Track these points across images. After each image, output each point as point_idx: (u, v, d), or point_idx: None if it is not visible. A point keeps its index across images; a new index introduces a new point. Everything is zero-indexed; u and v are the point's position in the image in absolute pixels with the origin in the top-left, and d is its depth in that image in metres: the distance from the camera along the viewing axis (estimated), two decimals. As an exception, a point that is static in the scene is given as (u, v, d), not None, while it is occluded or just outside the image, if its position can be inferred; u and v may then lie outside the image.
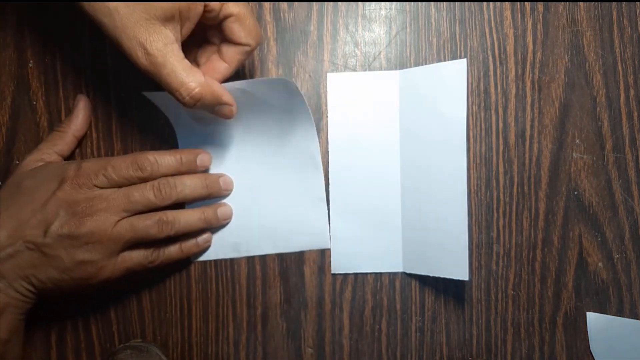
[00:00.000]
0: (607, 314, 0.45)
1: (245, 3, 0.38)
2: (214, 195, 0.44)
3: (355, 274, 0.46)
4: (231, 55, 0.40)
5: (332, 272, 0.46)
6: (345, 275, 0.46)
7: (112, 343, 0.45)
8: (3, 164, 0.45)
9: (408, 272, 0.45)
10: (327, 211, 0.45)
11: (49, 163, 0.42)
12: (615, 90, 0.46)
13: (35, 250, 0.38)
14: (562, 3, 0.46)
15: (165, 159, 0.41)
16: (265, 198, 0.45)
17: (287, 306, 0.46)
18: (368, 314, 0.46)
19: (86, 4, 0.35)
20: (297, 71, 0.46)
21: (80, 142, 0.45)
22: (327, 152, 0.45)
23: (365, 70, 0.46)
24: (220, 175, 0.44)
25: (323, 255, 0.46)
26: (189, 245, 0.44)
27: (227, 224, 0.45)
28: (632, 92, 0.46)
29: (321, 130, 0.46)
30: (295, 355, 0.46)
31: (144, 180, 0.40)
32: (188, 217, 0.42)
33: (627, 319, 0.45)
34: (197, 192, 0.42)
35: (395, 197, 0.45)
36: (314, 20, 0.46)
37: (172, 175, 0.41)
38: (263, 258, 0.46)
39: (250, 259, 0.45)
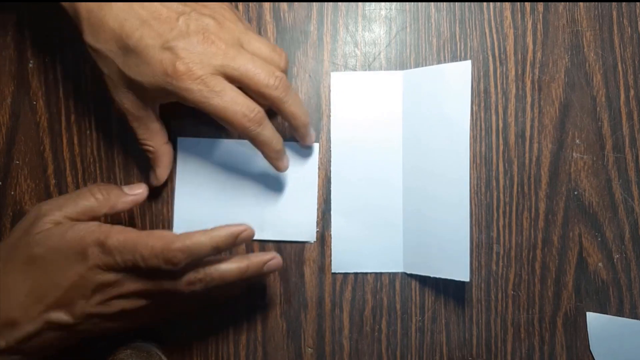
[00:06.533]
0: (607, 314, 0.45)
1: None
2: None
3: (356, 274, 0.46)
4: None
5: (332, 271, 0.46)
6: (346, 275, 0.46)
7: (112, 343, 0.45)
8: (3, 164, 0.45)
9: (408, 272, 0.45)
10: (316, 205, 0.45)
11: (69, 224, 0.38)
12: (615, 90, 0.46)
13: (59, 329, 0.37)
14: (562, 3, 0.46)
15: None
16: (257, 188, 0.45)
17: (287, 306, 0.46)
18: (368, 314, 0.46)
19: None
20: (297, 71, 0.46)
21: None
22: (329, 151, 0.45)
23: (365, 70, 0.46)
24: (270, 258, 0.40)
25: (323, 255, 0.46)
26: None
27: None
28: (632, 92, 0.46)
29: (321, 130, 0.46)
30: (295, 355, 0.45)
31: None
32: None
33: (627, 319, 0.45)
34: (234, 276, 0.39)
35: (397, 196, 0.45)
36: (314, 20, 0.46)
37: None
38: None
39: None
